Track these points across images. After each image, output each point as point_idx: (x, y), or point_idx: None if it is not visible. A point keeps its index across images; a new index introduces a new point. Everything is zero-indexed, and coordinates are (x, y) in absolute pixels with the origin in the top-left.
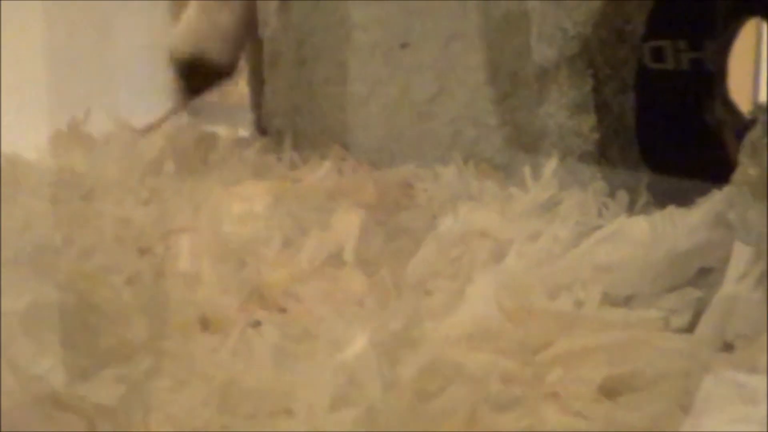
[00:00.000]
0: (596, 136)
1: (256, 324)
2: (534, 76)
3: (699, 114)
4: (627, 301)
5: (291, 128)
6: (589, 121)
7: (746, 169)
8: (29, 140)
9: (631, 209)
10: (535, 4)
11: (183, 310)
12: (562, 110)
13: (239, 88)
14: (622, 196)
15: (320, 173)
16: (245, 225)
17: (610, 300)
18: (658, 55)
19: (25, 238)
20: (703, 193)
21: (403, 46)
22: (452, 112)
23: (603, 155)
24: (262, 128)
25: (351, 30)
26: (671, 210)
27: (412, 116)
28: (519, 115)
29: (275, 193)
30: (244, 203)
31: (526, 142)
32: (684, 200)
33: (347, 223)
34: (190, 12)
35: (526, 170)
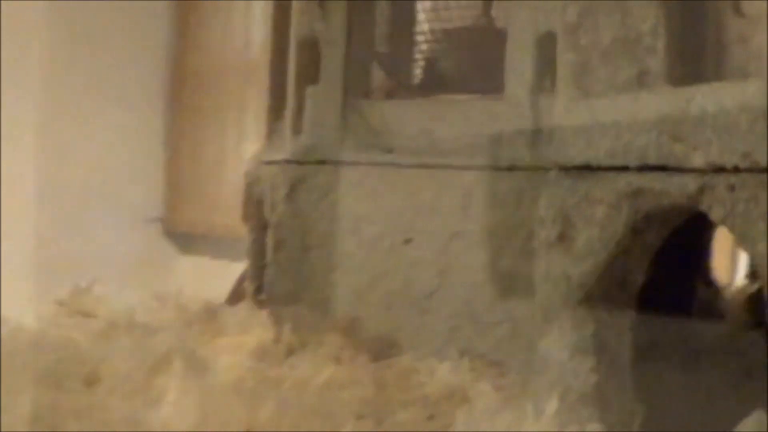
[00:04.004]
0: (594, 377)
1: None
2: (537, 310)
3: None
4: None
5: (291, 311)
6: (587, 362)
7: None
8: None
9: None
10: (542, 241)
11: None
12: (562, 350)
13: (225, 219)
14: None
15: (318, 362)
16: None
17: None
18: None
19: None
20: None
21: (406, 241)
22: (451, 307)
23: (600, 396)
24: (259, 300)
25: (357, 222)
26: None
27: (411, 309)
28: (517, 313)
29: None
30: (249, 412)
31: (523, 342)
32: None
33: None
34: None
35: (529, 407)
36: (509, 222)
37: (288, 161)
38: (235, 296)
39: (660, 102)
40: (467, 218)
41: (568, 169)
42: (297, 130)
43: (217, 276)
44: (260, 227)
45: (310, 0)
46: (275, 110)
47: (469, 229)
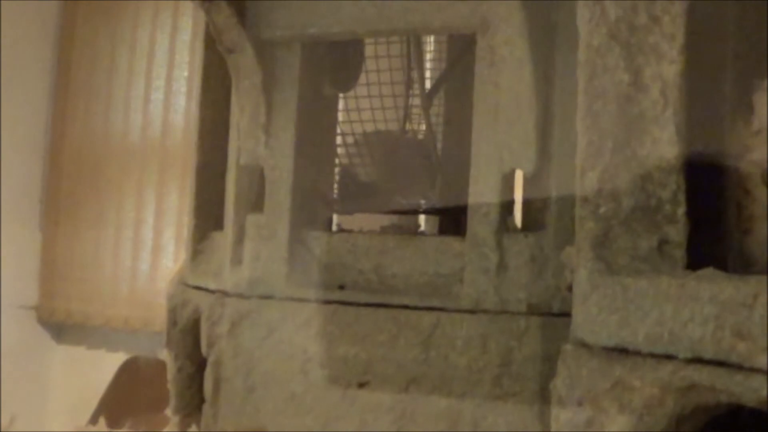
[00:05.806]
0: None
1: None
2: None
3: None
4: None
5: None
6: None
7: None
8: None
9: None
10: None
11: None
12: None
13: (101, 309)
14: None
15: None
16: None
17: None
18: None
19: None
20: None
21: (361, 385)
22: None
23: None
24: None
25: (306, 363)
26: None
27: None
28: None
29: None
30: None
31: None
32: None
33: None
34: None
35: None
36: (473, 367)
37: (227, 294)
38: (114, 389)
39: (715, 293)
40: (427, 362)
41: (594, 349)
42: (237, 261)
43: (93, 366)
44: (186, 356)
45: (254, 123)
46: (201, 230)
47: (429, 374)
